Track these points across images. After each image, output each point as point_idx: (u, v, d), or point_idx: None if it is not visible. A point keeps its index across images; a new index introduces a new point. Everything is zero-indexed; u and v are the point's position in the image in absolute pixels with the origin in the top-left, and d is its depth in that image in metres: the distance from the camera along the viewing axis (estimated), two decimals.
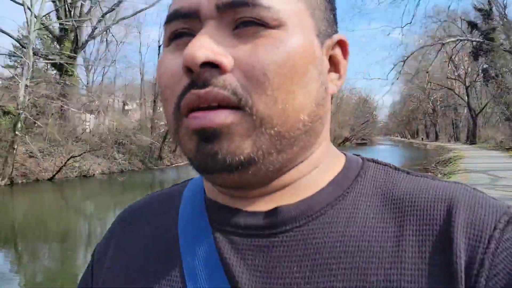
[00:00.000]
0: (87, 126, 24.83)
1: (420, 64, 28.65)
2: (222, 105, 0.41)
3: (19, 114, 16.07)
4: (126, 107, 34.98)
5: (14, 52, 19.64)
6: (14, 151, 16.61)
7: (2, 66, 21.47)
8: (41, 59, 21.75)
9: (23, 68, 16.92)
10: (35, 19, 17.28)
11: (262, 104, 0.41)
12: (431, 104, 55.28)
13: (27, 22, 18.14)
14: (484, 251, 0.40)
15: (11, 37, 20.49)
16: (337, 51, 0.50)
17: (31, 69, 17.11)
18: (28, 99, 16.65)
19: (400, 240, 0.42)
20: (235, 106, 0.41)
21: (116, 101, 28.80)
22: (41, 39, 25.70)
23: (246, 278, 0.43)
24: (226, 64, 0.41)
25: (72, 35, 23.04)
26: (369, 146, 59.67)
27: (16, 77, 17.35)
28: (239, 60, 0.42)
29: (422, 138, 71.55)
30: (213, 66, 0.41)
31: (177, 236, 0.49)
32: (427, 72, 27.66)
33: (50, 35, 23.91)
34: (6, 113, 18.64)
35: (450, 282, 0.39)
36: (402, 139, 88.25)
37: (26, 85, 16.18)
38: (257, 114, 0.41)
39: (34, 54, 18.94)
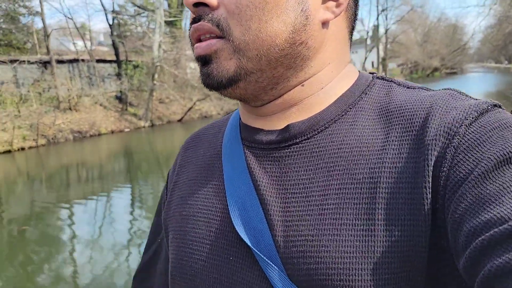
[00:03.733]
0: (191, 73, 27.78)
1: None
2: (213, 36, 0.51)
3: (156, 66, 19.24)
4: None
5: (145, 11, 22.53)
6: (153, 98, 20.11)
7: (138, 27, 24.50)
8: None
9: (155, 26, 19.80)
10: None
11: (238, 32, 0.50)
12: None
13: None
14: (447, 146, 0.45)
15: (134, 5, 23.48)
16: None
17: (163, 27, 19.95)
18: (163, 53, 19.66)
19: (385, 145, 0.49)
20: (220, 35, 0.51)
21: None
22: None
23: (265, 182, 0.54)
24: (213, 2, 0.50)
25: None
26: (460, 75, 57.28)
27: (150, 34, 20.31)
28: None
29: None
30: (205, 5, 0.51)
31: (221, 152, 0.63)
32: None
33: None
34: (135, 66, 22.17)
35: (420, 175, 0.45)
36: (497, 65, 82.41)
37: (160, 41, 19.13)
38: (235, 41, 0.50)
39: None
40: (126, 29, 23.43)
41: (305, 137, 0.54)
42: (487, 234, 0.38)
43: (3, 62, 17.37)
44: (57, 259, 5.10)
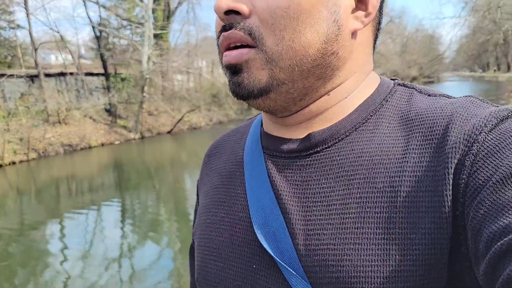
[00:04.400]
0: (178, 85, 27.84)
1: None
2: (244, 45, 0.51)
3: (145, 79, 19.30)
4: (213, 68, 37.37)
5: (132, 24, 22.59)
6: (143, 110, 20.11)
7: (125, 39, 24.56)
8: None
9: (143, 39, 19.91)
10: None
11: (271, 42, 0.49)
12: (502, 35, 53.14)
13: None
14: (467, 153, 0.45)
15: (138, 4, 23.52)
16: None
17: (152, 40, 20.04)
18: (152, 65, 19.74)
19: (405, 153, 0.49)
20: (252, 45, 0.50)
21: (203, 62, 31.39)
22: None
23: (286, 191, 0.54)
24: (245, 10, 0.50)
25: (163, 4, 25.68)
26: (437, 83, 58.88)
27: (139, 47, 20.39)
28: (256, 7, 0.50)
29: (495, 70, 68.74)
30: (237, 13, 0.50)
31: (242, 160, 0.63)
32: (498, 7, 27.48)
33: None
34: (123, 79, 22.14)
35: (441, 183, 0.45)
36: (471, 73, 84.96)
37: (150, 54, 19.23)
38: (268, 51, 0.50)
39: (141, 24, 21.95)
40: (110, 42, 23.39)
41: (326, 146, 0.54)
42: (505, 239, 0.38)
43: None
44: (44, 273, 5.07)
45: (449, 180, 0.45)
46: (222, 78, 30.33)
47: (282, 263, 0.50)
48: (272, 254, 0.51)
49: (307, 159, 0.54)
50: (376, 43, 0.61)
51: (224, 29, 0.52)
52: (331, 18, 0.51)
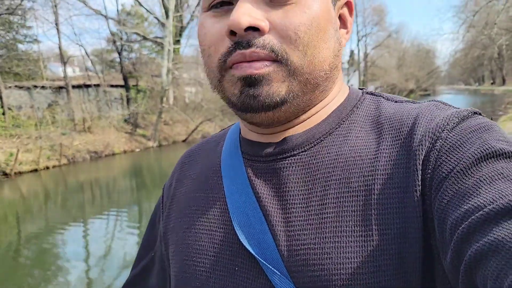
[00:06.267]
0: (189, 96, 29.10)
1: (488, 16, 29.98)
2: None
3: (165, 90, 20.56)
4: None
5: (156, 41, 23.90)
6: (161, 120, 21.34)
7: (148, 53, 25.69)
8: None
9: (163, 53, 21.24)
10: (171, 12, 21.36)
11: (295, 57, 0.51)
12: (497, 49, 54.79)
13: (166, 14, 22.20)
14: (431, 149, 0.48)
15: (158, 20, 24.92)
16: (345, 10, 0.58)
17: (172, 54, 21.37)
18: (171, 79, 21.04)
19: (377, 154, 0.52)
20: (274, 59, 0.50)
21: None
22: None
23: (266, 193, 0.55)
24: (265, 27, 0.49)
25: (175, 20, 27.05)
26: (433, 96, 60.27)
27: (159, 60, 21.72)
28: (274, 23, 0.50)
29: (492, 83, 70.24)
30: (254, 29, 0.49)
31: (219, 165, 0.63)
32: (495, 24, 28.85)
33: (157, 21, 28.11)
34: (141, 90, 23.41)
35: (411, 179, 0.48)
36: (467, 86, 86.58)
37: (168, 67, 20.55)
38: (291, 65, 0.51)
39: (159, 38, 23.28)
40: (128, 56, 24.68)
41: (302, 150, 0.56)
42: (466, 222, 0.39)
43: (21, 87, 18.41)
44: (64, 275, 5.23)
45: (417, 176, 0.48)
46: None
47: (266, 264, 0.51)
48: (255, 255, 0.53)
49: (284, 161, 0.56)
50: None
51: (240, 45, 0.50)
52: (335, 36, 0.55)
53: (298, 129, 0.58)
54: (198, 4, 28.34)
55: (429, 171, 0.47)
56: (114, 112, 21.92)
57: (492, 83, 69.71)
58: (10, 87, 18.20)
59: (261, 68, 0.50)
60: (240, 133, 0.66)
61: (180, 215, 0.65)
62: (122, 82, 23.40)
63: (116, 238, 6.64)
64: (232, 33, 0.50)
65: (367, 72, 48.60)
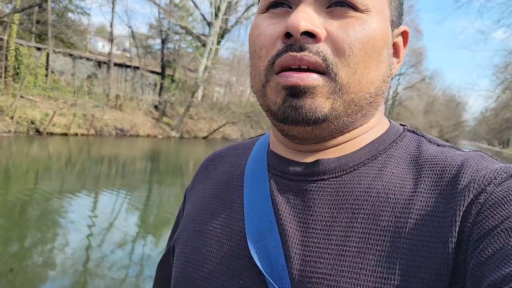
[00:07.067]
0: (217, 96, 29.87)
1: None
2: (311, 68, 0.48)
3: (198, 86, 21.43)
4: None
5: (199, 37, 24.85)
6: (189, 113, 22.19)
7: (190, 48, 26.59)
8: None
9: (204, 51, 22.16)
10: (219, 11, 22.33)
11: (344, 73, 0.48)
12: None
13: (211, 13, 23.20)
14: (473, 202, 0.45)
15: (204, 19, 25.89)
16: (400, 40, 0.57)
17: (212, 53, 22.26)
18: (206, 76, 21.92)
19: (413, 196, 0.49)
20: (322, 71, 0.48)
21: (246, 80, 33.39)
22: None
23: (287, 212, 0.53)
24: (321, 35, 0.48)
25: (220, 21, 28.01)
26: None
27: (199, 57, 22.63)
28: (331, 33, 0.49)
29: None
30: (309, 35, 0.48)
31: (243, 174, 0.62)
32: None
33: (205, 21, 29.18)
34: (175, 81, 24.35)
35: (447, 230, 0.45)
36: (489, 147, 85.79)
37: (206, 65, 21.43)
38: (339, 81, 0.48)
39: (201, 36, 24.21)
40: (172, 47, 25.66)
41: (333, 175, 0.54)
42: (507, 286, 0.37)
43: (69, 55, 19.51)
44: (62, 240, 5.28)
45: (455, 227, 0.45)
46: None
47: (274, 284, 0.49)
48: (264, 272, 0.50)
49: (312, 184, 0.54)
50: None
51: (292, 48, 0.49)
52: (388, 60, 0.53)
53: (331, 153, 0.56)
54: (245, 10, 29.80)
55: (469, 224, 0.44)
56: (145, 96, 22.87)
57: None
58: (59, 52, 19.29)
59: (308, 80, 0.48)
60: (269, 145, 0.64)
61: (194, 217, 0.64)
62: (159, 69, 24.37)
63: (120, 215, 6.81)
64: (288, 36, 0.49)
65: (393, 110, 48.96)
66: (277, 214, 0.54)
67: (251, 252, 0.52)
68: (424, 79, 53.88)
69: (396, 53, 0.57)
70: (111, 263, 4.63)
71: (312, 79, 0.48)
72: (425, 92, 58.01)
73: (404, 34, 0.58)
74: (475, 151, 0.54)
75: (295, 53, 0.48)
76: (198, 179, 0.71)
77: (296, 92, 0.48)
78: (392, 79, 0.58)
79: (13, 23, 16.35)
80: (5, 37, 16.76)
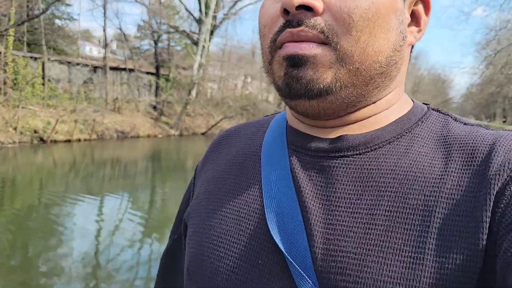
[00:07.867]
0: (211, 92, 30.12)
1: (509, 56, 30.90)
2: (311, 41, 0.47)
3: (194, 83, 21.70)
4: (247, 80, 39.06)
5: (188, 34, 25.02)
6: (186, 111, 22.47)
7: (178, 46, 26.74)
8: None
9: (197, 49, 22.40)
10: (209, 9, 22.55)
11: (346, 42, 0.47)
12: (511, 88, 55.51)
13: (201, 11, 23.28)
14: (508, 182, 0.43)
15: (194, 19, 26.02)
16: (420, 7, 0.54)
17: (206, 50, 22.52)
18: (202, 73, 22.20)
19: (443, 175, 0.47)
20: (322, 42, 0.47)
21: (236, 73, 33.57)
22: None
23: (309, 190, 0.51)
24: (318, 7, 0.46)
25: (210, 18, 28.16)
26: None
27: (193, 55, 22.88)
28: (329, 4, 0.47)
29: (504, 121, 70.62)
30: (307, 9, 0.47)
31: (260, 152, 0.59)
32: None
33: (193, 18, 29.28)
34: (168, 80, 24.57)
35: (479, 210, 0.44)
36: (477, 121, 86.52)
37: (200, 63, 21.70)
38: (341, 50, 0.47)
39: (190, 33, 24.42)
40: (164, 47, 25.81)
41: (358, 152, 0.52)
42: None
43: (65, 62, 19.65)
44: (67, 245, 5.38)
45: (488, 207, 0.43)
46: (255, 91, 32.53)
47: (294, 263, 0.47)
48: (284, 251, 0.48)
49: (335, 161, 0.52)
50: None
51: (290, 24, 0.48)
52: (398, 28, 0.50)
53: (354, 129, 0.53)
54: (233, 6, 30.02)
55: (502, 205, 0.43)
56: (142, 97, 23.10)
57: (503, 121, 70.21)
58: (54, 60, 19.43)
59: (307, 49, 0.47)
60: (287, 121, 0.61)
61: (207, 195, 0.61)
62: (153, 70, 24.59)
63: (126, 216, 6.92)
64: (286, 12, 0.48)
65: None
66: (298, 191, 0.52)
67: (271, 231, 0.50)
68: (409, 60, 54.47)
69: (416, 22, 0.55)
70: (120, 265, 4.75)
71: (311, 47, 0.47)
72: (411, 72, 58.75)
73: (425, 2, 0.55)
74: (505, 130, 0.52)
75: (292, 29, 0.48)
76: (209, 157, 0.68)
77: (295, 61, 0.48)
78: (412, 48, 0.57)
79: (9, 35, 16.44)
80: (2, 50, 16.86)
